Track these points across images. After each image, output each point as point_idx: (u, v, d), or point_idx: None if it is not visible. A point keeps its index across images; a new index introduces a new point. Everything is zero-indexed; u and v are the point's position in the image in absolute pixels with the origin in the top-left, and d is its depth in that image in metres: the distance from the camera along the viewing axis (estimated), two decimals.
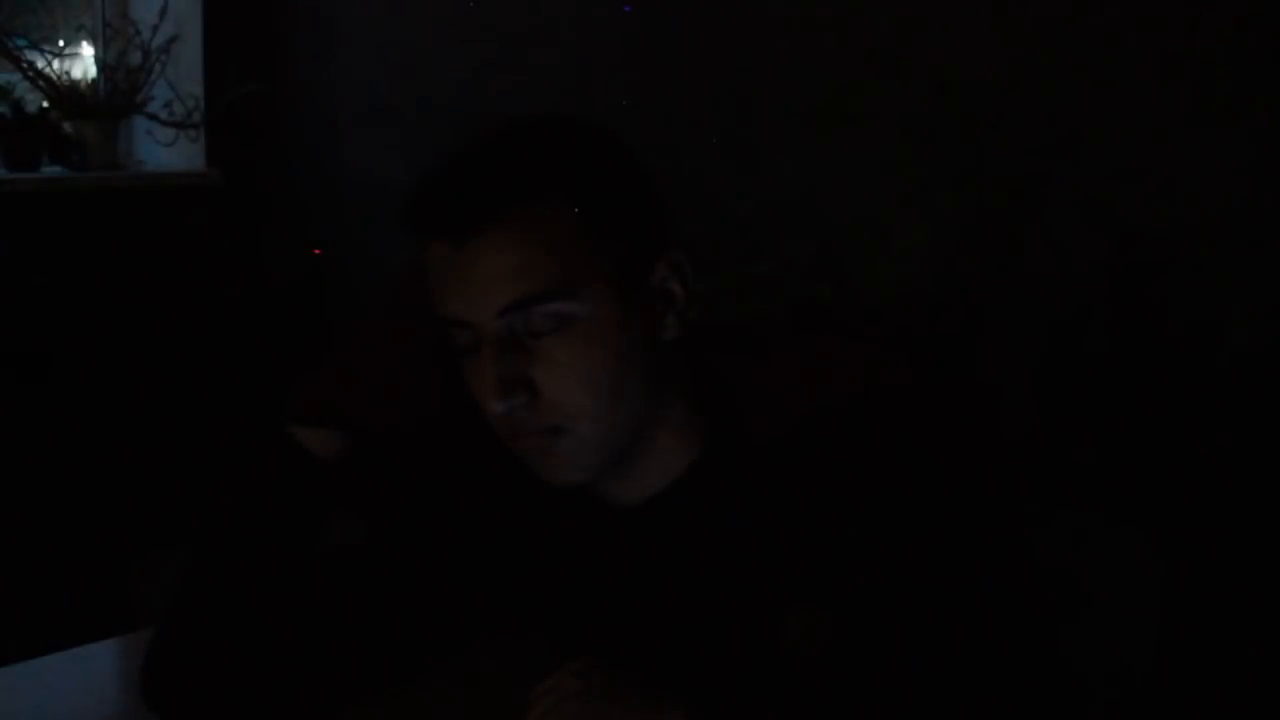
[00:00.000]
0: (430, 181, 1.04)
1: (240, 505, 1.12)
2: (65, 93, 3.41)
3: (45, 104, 3.43)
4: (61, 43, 3.52)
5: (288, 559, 1.10)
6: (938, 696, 0.97)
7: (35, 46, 3.47)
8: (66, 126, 3.46)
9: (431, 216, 1.02)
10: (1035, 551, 1.06)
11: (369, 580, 1.12)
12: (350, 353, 1.16)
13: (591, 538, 1.11)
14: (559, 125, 1.07)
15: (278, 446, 1.11)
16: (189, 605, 1.10)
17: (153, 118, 3.50)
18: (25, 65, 3.37)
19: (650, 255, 1.04)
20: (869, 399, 1.07)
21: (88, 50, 3.62)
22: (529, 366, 1.00)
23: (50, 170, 3.44)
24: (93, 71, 3.54)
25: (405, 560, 1.13)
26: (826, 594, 1.02)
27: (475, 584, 1.13)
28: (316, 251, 3.61)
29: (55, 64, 3.41)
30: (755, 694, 0.96)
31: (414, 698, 1.12)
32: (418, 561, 1.13)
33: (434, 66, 3.26)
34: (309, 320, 3.67)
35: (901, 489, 1.03)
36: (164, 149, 3.55)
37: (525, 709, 0.98)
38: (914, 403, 1.08)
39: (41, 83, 3.38)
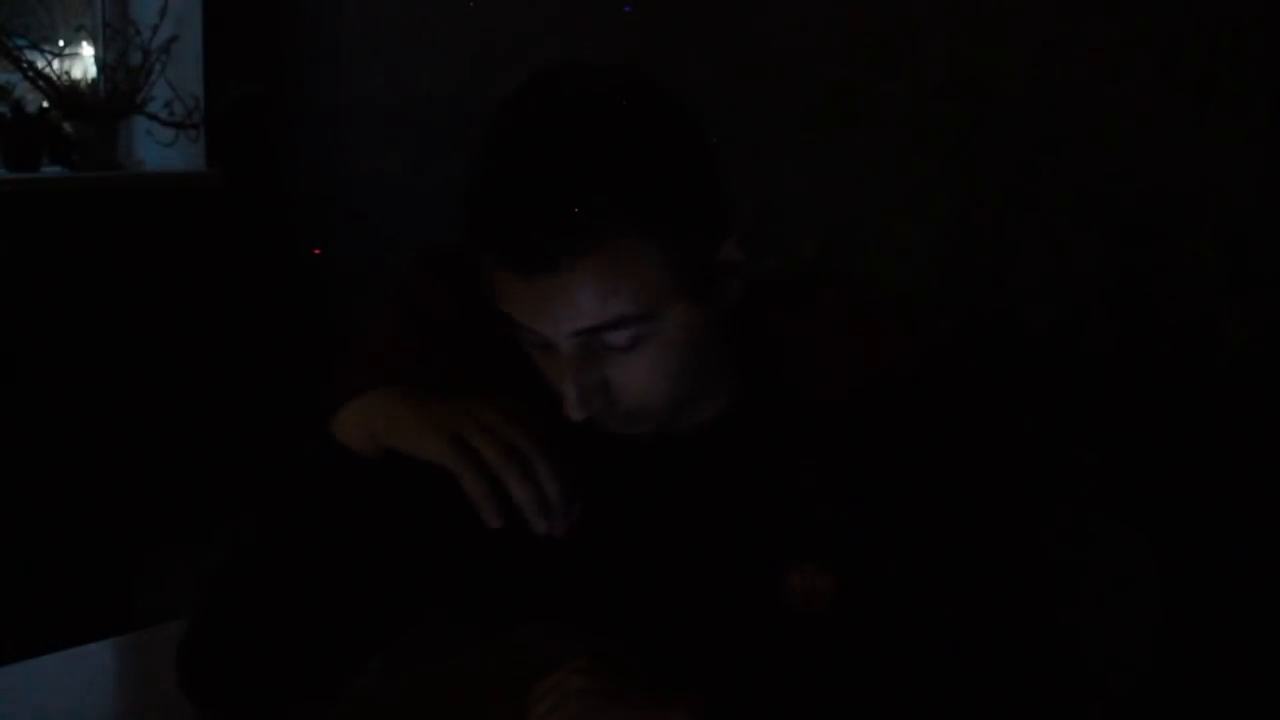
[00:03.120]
0: (497, 205, 0.97)
1: (284, 502, 1.12)
2: (65, 93, 3.41)
3: (45, 104, 3.43)
4: (61, 43, 3.52)
5: (330, 553, 1.09)
6: (938, 672, 0.99)
7: (35, 46, 3.47)
8: (66, 126, 3.45)
9: (501, 249, 0.97)
10: (1040, 539, 1.07)
11: (409, 567, 1.12)
12: (373, 342, 1.16)
13: (611, 470, 1.10)
14: (630, 114, 1.00)
15: (320, 445, 1.09)
16: (230, 595, 1.10)
17: (153, 118, 3.50)
18: (25, 65, 3.37)
19: (718, 243, 1.04)
20: (899, 370, 1.08)
21: (88, 50, 3.62)
22: (606, 370, 1.00)
23: (50, 170, 3.44)
24: (93, 71, 3.54)
25: (448, 542, 1.13)
26: (830, 553, 1.03)
27: (507, 545, 1.12)
28: (316, 251, 3.61)
29: (55, 64, 3.41)
30: (756, 688, 0.97)
31: (418, 693, 1.12)
32: (458, 543, 1.12)
33: (434, 66, 3.26)
34: (309, 320, 3.67)
35: (921, 459, 1.04)
36: (164, 149, 3.54)
37: (526, 708, 0.98)
38: (939, 378, 1.09)
39: (41, 83, 3.38)
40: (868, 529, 1.04)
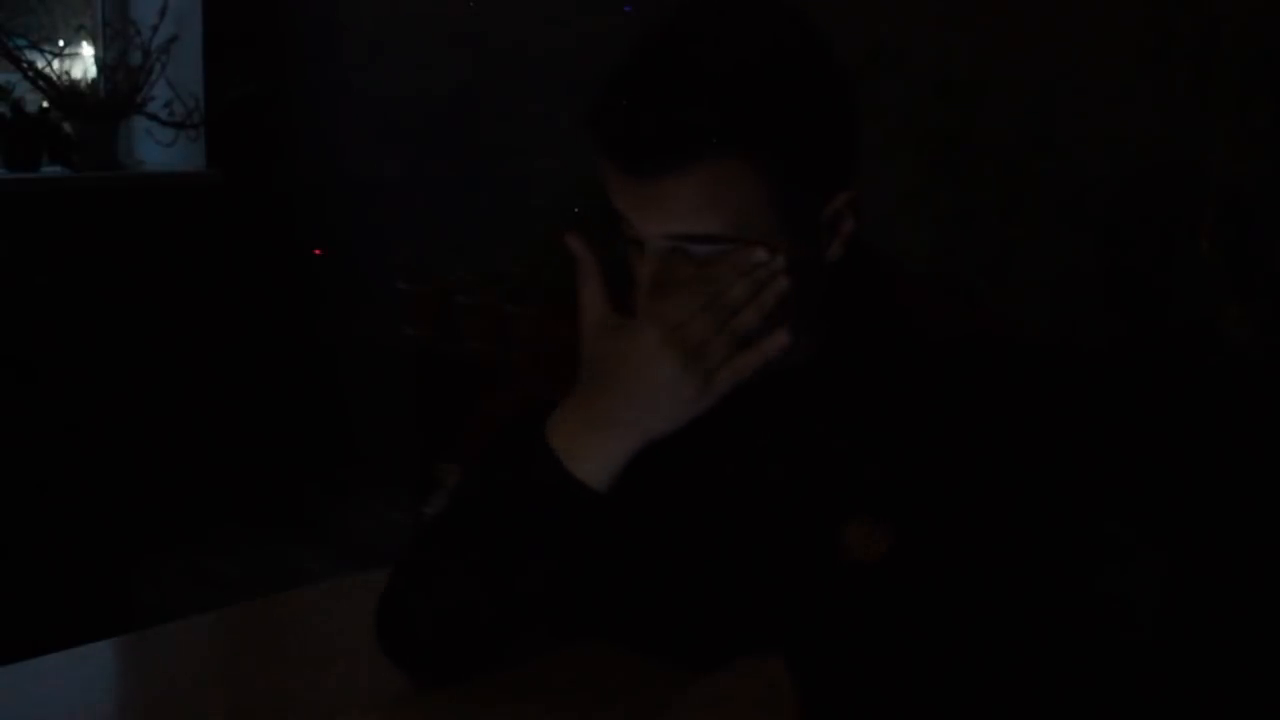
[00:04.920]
0: (615, 107, 1.00)
1: (484, 484, 1.12)
2: (65, 93, 3.41)
3: (45, 104, 3.43)
4: (61, 43, 3.52)
5: (528, 537, 1.08)
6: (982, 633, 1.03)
7: (35, 46, 3.47)
8: (66, 126, 3.46)
9: (612, 149, 1.01)
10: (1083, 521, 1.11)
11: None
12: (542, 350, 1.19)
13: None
14: (768, 47, 1.01)
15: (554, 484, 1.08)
16: (429, 562, 1.12)
17: (153, 118, 3.50)
18: (25, 65, 3.37)
19: (828, 191, 1.06)
20: (972, 341, 1.11)
21: (88, 50, 3.62)
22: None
23: (50, 170, 3.45)
24: (93, 71, 3.54)
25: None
26: (891, 508, 1.06)
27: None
28: (317, 251, 3.61)
29: (55, 64, 3.41)
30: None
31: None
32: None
33: (433, 67, 3.26)
34: (308, 320, 3.67)
35: (987, 429, 1.07)
36: (164, 149, 3.55)
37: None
38: (1012, 359, 1.12)
39: (41, 83, 3.39)
40: (927, 488, 1.06)
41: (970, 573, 1.05)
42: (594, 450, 1.02)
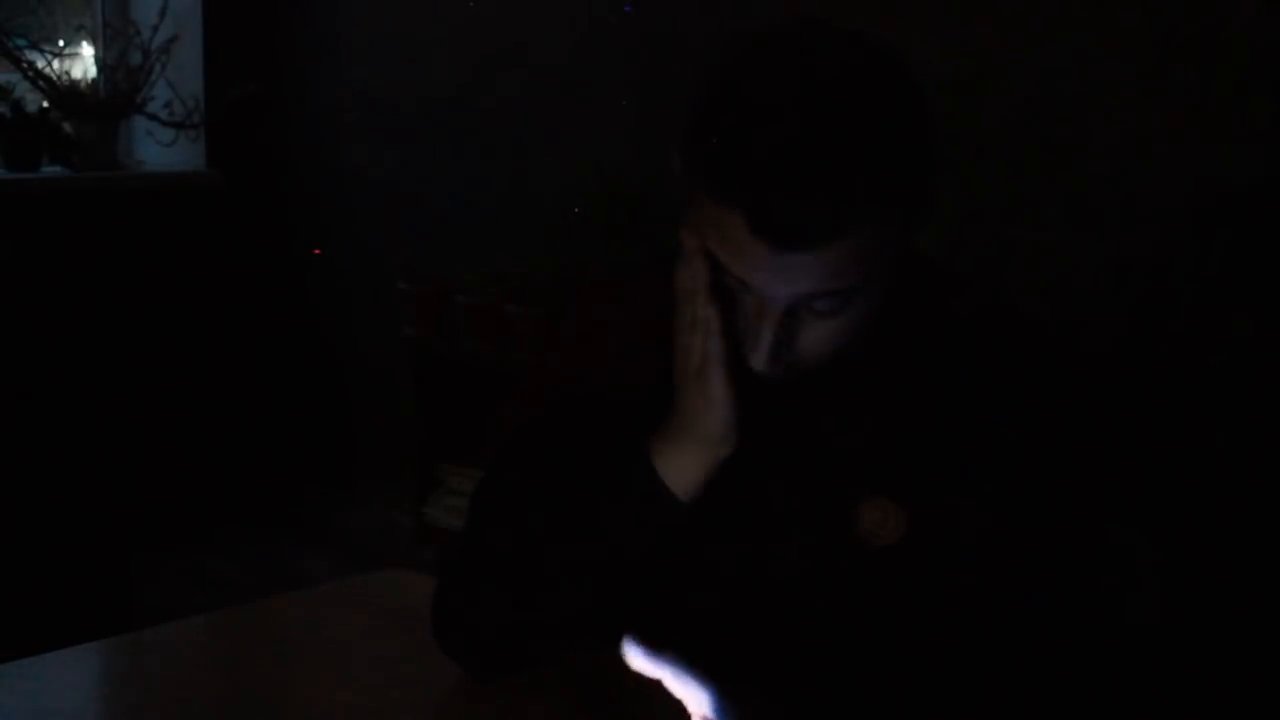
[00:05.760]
0: (760, 177, 0.96)
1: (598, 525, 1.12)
2: (65, 93, 3.41)
3: (45, 104, 3.43)
4: (61, 43, 3.52)
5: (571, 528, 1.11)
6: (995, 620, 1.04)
7: (35, 46, 3.47)
8: (66, 126, 3.46)
9: (759, 220, 0.96)
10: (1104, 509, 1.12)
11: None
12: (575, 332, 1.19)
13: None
14: (890, 93, 1.00)
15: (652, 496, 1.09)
16: (522, 586, 1.13)
17: (153, 118, 3.50)
18: (25, 65, 3.37)
19: (924, 223, 1.07)
20: (999, 332, 1.13)
21: (88, 50, 3.62)
22: (797, 330, 1.02)
23: (50, 170, 3.44)
24: (93, 71, 3.54)
25: None
26: (909, 491, 1.06)
27: None
28: (316, 251, 3.61)
29: (55, 64, 3.41)
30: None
31: None
32: None
33: (434, 67, 3.26)
34: (308, 319, 3.67)
35: (1011, 417, 1.08)
36: (164, 149, 3.55)
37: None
38: (1047, 346, 1.14)
39: (41, 83, 3.38)
40: (945, 474, 1.07)
41: (980, 560, 1.06)
42: (683, 464, 1.06)
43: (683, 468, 1.06)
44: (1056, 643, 1.06)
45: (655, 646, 0.97)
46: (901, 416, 1.08)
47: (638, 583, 1.11)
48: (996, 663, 1.05)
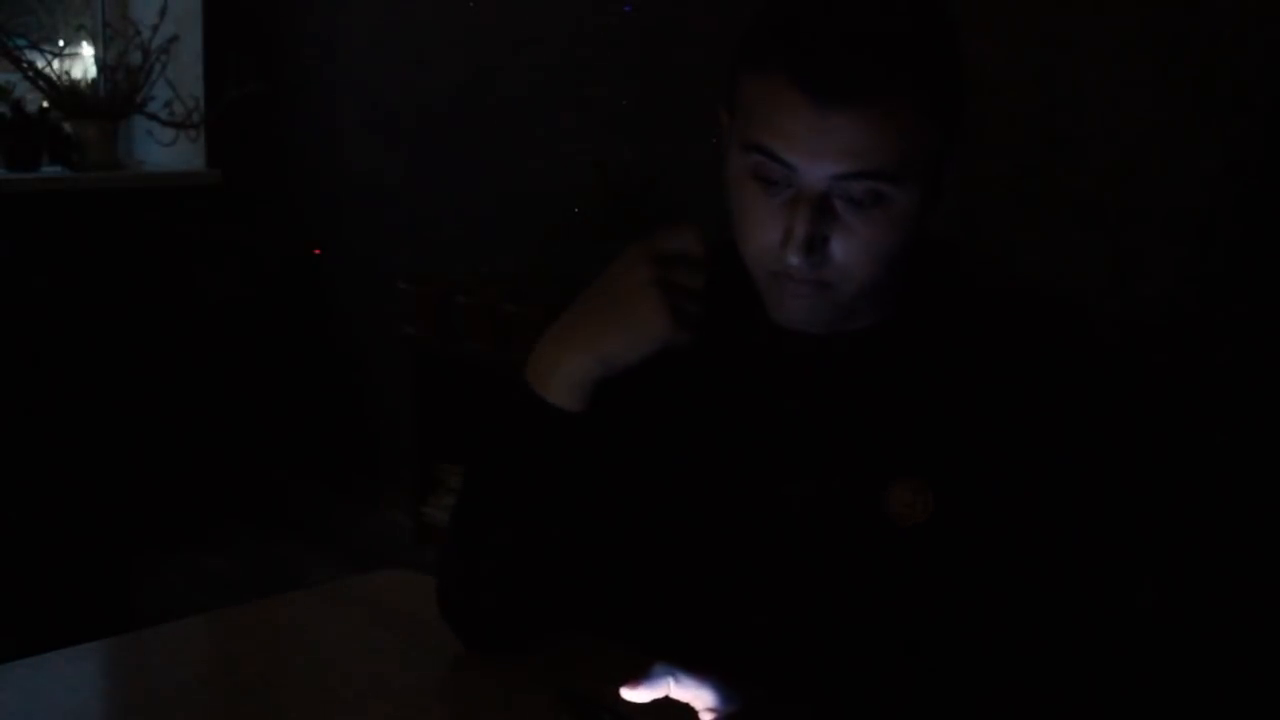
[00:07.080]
0: (811, 29, 1.02)
1: (497, 458, 1.16)
2: (65, 93, 3.41)
3: (45, 104, 3.43)
4: (61, 43, 3.52)
5: (545, 501, 1.14)
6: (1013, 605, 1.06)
7: (35, 46, 3.47)
8: (66, 126, 3.46)
9: (805, 71, 1.01)
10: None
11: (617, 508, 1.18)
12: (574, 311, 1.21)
13: (771, 370, 1.16)
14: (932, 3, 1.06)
15: (525, 404, 1.12)
16: (461, 536, 1.17)
17: (153, 118, 3.50)
18: (25, 65, 3.37)
19: (952, 153, 1.08)
20: (1034, 320, 1.13)
21: (88, 50, 3.62)
22: (831, 230, 1.03)
23: (50, 170, 3.45)
24: (93, 71, 3.54)
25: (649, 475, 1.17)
26: (938, 472, 1.08)
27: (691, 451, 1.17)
28: (316, 251, 3.61)
29: (55, 64, 3.42)
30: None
31: None
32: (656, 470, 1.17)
33: (433, 67, 3.26)
34: (308, 319, 3.67)
35: (1043, 406, 1.09)
36: (164, 149, 3.55)
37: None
38: (1077, 334, 1.14)
39: (41, 83, 3.39)
40: (973, 455, 1.08)
41: (1005, 541, 1.07)
42: (556, 368, 1.09)
43: (567, 373, 1.09)
44: (1062, 632, 1.07)
45: (679, 633, 0.98)
46: (929, 397, 1.09)
47: (647, 571, 1.13)
48: (1009, 646, 1.06)
